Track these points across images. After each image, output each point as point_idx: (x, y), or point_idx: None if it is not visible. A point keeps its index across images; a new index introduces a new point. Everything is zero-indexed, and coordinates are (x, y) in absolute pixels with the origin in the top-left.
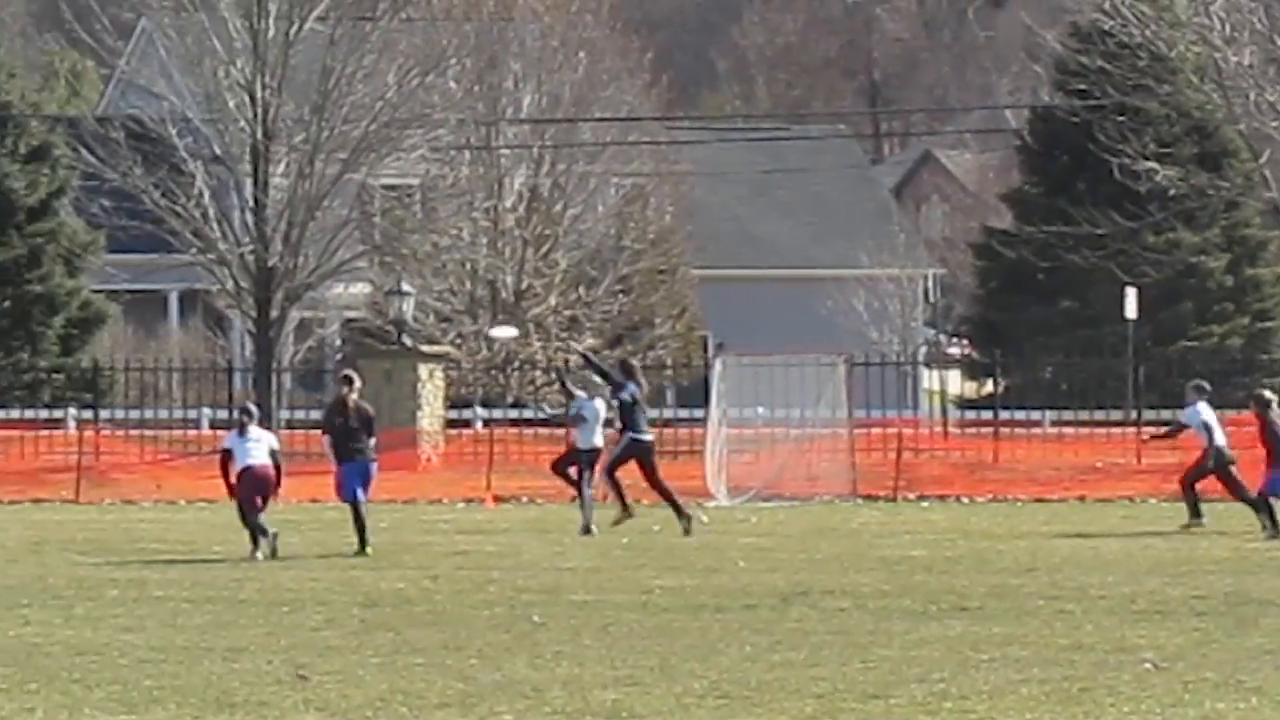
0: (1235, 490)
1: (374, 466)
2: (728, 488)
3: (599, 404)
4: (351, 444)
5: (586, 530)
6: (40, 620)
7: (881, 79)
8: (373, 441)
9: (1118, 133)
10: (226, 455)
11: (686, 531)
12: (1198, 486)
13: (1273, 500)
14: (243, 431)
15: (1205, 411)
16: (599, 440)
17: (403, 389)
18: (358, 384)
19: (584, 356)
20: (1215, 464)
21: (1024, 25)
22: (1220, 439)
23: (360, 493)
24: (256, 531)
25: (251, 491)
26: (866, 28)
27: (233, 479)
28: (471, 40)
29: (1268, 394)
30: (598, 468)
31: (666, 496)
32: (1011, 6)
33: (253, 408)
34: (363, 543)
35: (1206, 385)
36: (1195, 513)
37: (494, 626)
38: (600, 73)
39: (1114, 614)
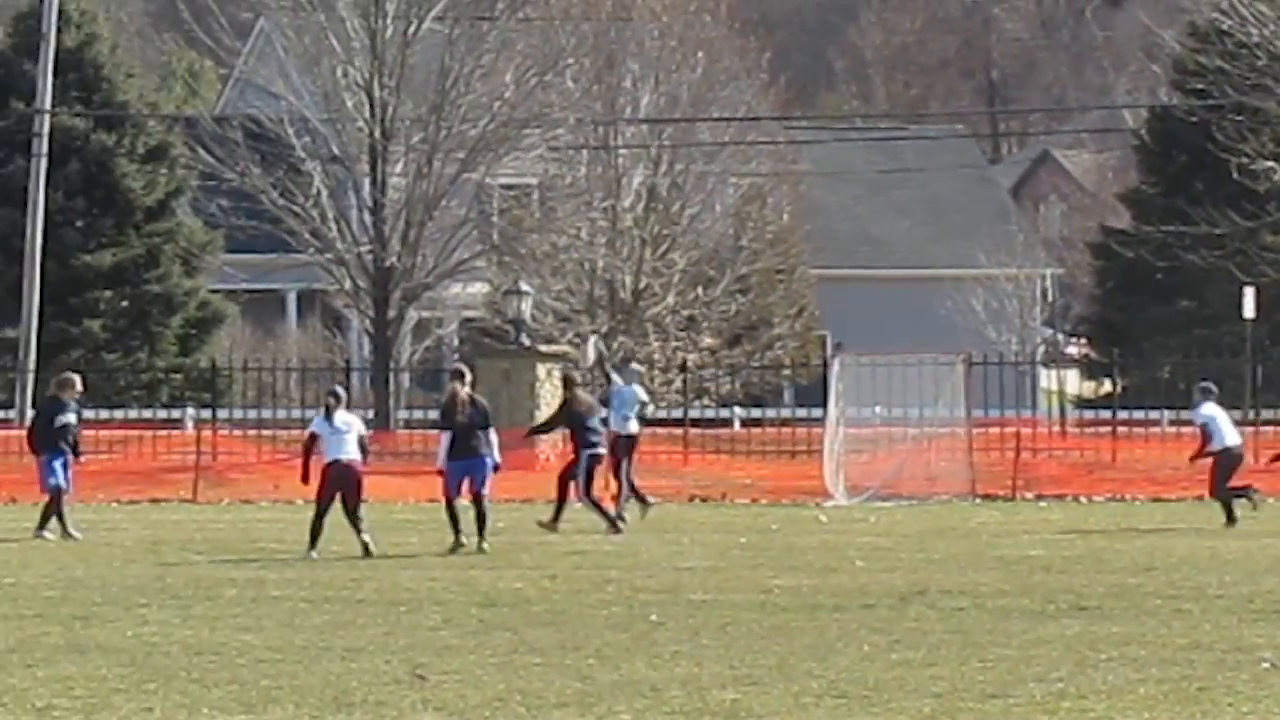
0: (1216, 484)
1: (489, 461)
2: (846, 487)
3: (638, 389)
4: (470, 440)
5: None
6: (158, 620)
7: (999, 79)
8: (491, 434)
9: (1236, 132)
10: (312, 440)
11: (546, 528)
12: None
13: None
14: (329, 415)
15: (1210, 411)
16: (634, 427)
17: (521, 388)
18: (469, 377)
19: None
20: (1225, 461)
21: (1142, 25)
22: (1231, 439)
23: (467, 488)
24: (317, 533)
25: (336, 487)
26: (984, 27)
27: (312, 465)
28: (589, 40)
29: None
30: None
31: (593, 505)
32: (1130, 6)
33: (340, 390)
34: (479, 536)
35: (1213, 387)
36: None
37: (612, 626)
38: (718, 72)
39: (1232, 613)
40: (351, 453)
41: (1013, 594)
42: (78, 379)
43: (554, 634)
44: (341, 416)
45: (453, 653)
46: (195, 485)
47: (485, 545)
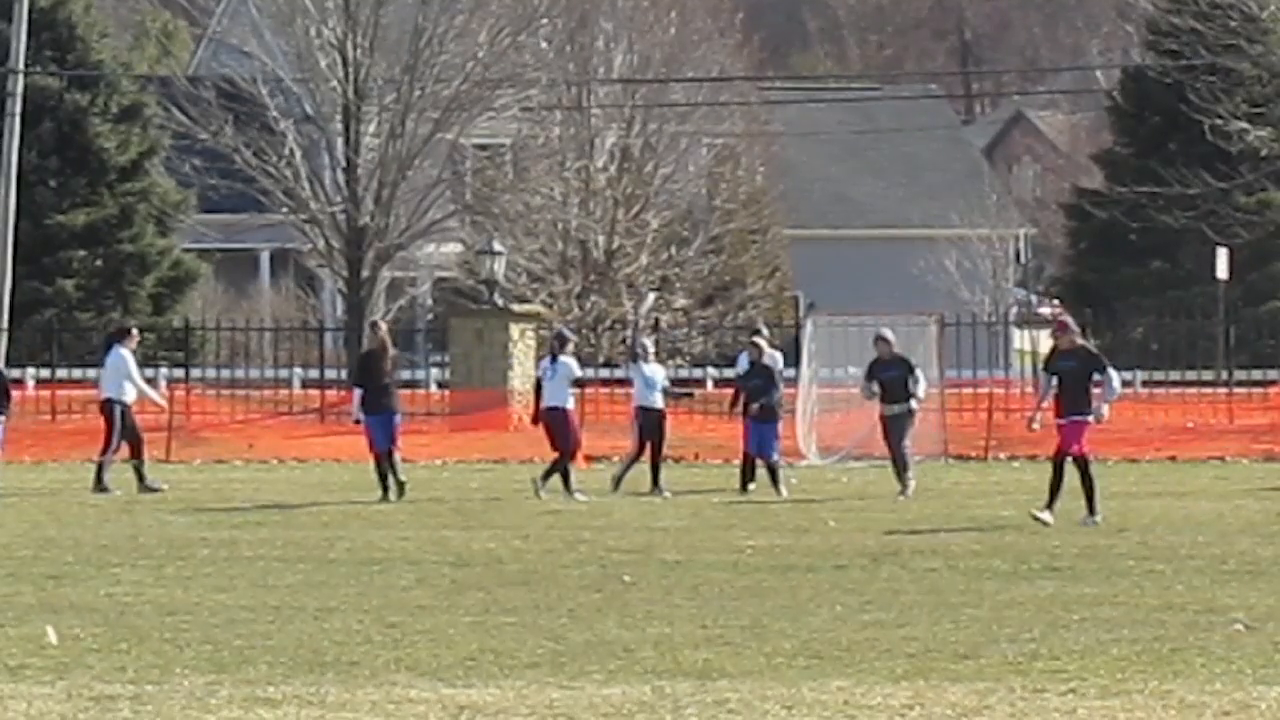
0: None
1: (399, 418)
2: (818, 448)
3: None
4: (383, 397)
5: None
6: (131, 580)
7: (973, 39)
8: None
9: (1209, 93)
10: (538, 384)
11: None
12: None
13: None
14: (553, 359)
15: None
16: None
17: (494, 349)
18: (384, 331)
19: None
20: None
21: None
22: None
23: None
24: (564, 478)
25: (547, 430)
26: None
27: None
28: (563, 0)
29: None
30: None
31: None
32: None
33: (566, 332)
34: (386, 490)
35: (763, 328)
36: None
37: (585, 586)
38: (691, 33)
39: (1204, 574)
40: (558, 399)
41: (985, 555)
42: None
43: (527, 594)
44: (559, 361)
45: (425, 612)
46: (168, 445)
47: (391, 496)
